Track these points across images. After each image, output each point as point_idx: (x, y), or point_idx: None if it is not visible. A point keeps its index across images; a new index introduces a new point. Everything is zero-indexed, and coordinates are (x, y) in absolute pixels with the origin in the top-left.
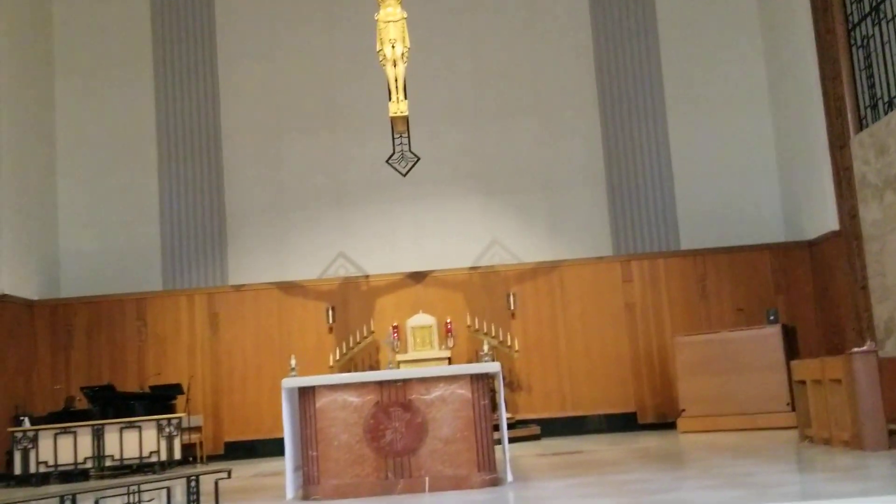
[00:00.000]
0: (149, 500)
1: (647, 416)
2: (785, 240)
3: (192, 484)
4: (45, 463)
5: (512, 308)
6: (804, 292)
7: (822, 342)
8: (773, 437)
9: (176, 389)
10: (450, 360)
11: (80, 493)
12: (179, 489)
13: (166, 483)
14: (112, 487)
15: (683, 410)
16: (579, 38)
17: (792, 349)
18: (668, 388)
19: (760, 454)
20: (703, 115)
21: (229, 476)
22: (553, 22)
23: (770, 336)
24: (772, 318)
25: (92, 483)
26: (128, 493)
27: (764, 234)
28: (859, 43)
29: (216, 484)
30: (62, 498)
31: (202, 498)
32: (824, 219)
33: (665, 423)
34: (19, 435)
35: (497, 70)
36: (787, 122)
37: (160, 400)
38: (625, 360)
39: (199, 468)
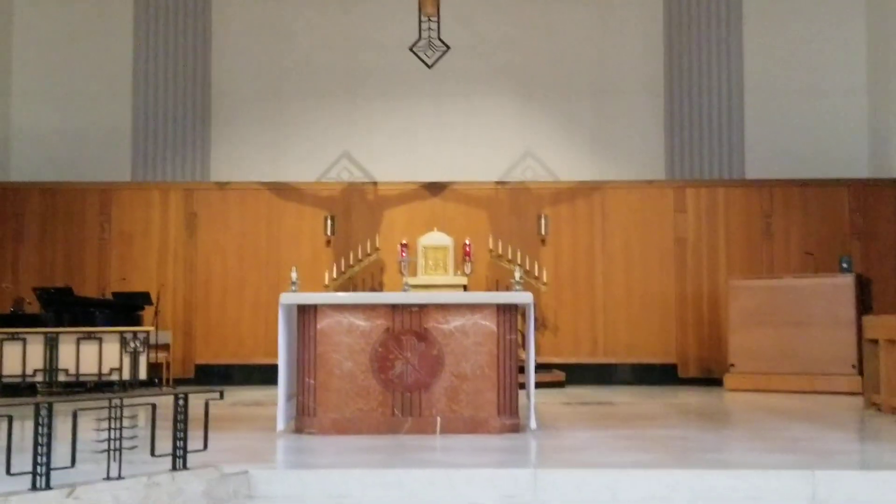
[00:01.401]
0: (130, 416)
1: (690, 369)
2: (869, 176)
3: (181, 402)
4: None
5: (543, 233)
6: (886, 239)
7: None
8: (835, 402)
9: (143, 299)
10: (465, 288)
11: (58, 402)
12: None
13: (152, 399)
14: (93, 399)
15: (733, 365)
16: None
17: (865, 304)
18: (717, 340)
19: (820, 419)
20: (786, 19)
21: (221, 397)
22: None
23: (841, 287)
24: (845, 266)
25: (74, 397)
26: (109, 408)
27: (845, 168)
28: None
29: (206, 405)
30: (38, 406)
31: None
32: None
33: (710, 379)
34: None
35: None
36: (885, 34)
37: (124, 310)
38: (669, 303)
39: (178, 389)
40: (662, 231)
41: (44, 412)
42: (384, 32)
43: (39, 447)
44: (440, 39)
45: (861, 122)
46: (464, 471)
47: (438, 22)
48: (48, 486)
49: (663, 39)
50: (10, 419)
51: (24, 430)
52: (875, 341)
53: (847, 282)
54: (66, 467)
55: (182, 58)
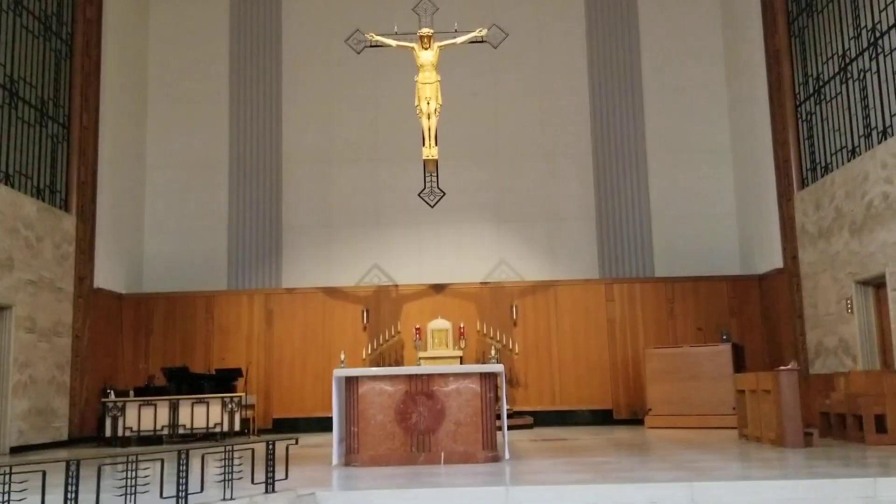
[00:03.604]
0: (238, 457)
1: (622, 412)
2: (739, 273)
3: (270, 447)
4: (130, 428)
5: (514, 317)
6: (753, 317)
7: (765, 359)
8: (720, 434)
9: (236, 373)
10: (461, 359)
11: (191, 449)
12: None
13: (252, 446)
14: (212, 447)
15: (650, 409)
16: (578, 99)
17: (740, 364)
18: (639, 391)
19: (706, 447)
20: (678, 167)
21: (296, 443)
22: (558, 85)
23: (722, 352)
24: (724, 337)
25: (193, 444)
26: (224, 452)
27: (723, 268)
28: (804, 118)
29: (287, 449)
30: (179, 452)
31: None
32: (772, 258)
33: (635, 420)
34: (110, 405)
35: (511, 122)
36: (745, 177)
37: (224, 381)
38: (605, 365)
39: (264, 437)
40: (598, 314)
41: (183, 456)
42: (400, 181)
43: (181, 479)
44: (439, 188)
45: (733, 236)
46: (459, 489)
47: (437, 176)
48: None
49: (593, 182)
50: (163, 462)
51: (161, 468)
52: (743, 391)
53: (726, 349)
54: (197, 492)
55: (261, 202)
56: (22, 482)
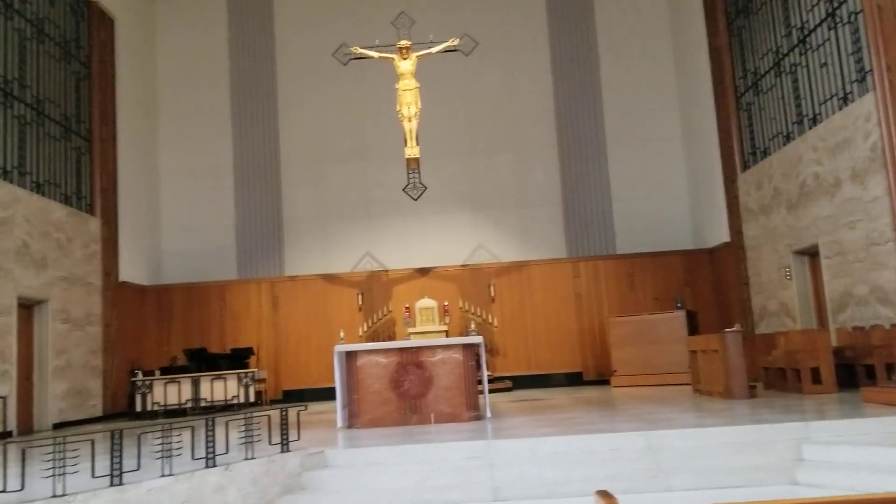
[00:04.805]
0: (256, 423)
1: (590, 374)
2: (692, 247)
3: (284, 415)
4: (157, 403)
5: (492, 295)
6: (704, 286)
7: (716, 323)
8: (676, 390)
9: (249, 352)
10: (447, 333)
11: (216, 417)
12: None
13: (268, 413)
14: (233, 416)
15: (615, 371)
16: (544, 98)
17: (694, 328)
18: (605, 355)
19: (663, 401)
20: (635, 155)
21: (306, 409)
22: (525, 85)
23: (677, 318)
24: (679, 305)
25: (215, 414)
26: (245, 419)
27: (676, 243)
28: (744, 108)
29: (298, 415)
30: (207, 421)
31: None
32: (720, 233)
33: (602, 380)
34: (139, 383)
35: (484, 120)
36: (694, 162)
37: (238, 359)
38: (574, 334)
39: (277, 406)
40: (566, 290)
41: (210, 423)
42: (386, 176)
43: (209, 443)
44: (421, 183)
45: (685, 214)
46: (447, 443)
47: (419, 172)
48: (214, 465)
49: (559, 170)
50: (193, 429)
51: (192, 435)
52: (695, 351)
53: (680, 315)
54: (223, 453)
55: (263, 200)
56: (75, 450)
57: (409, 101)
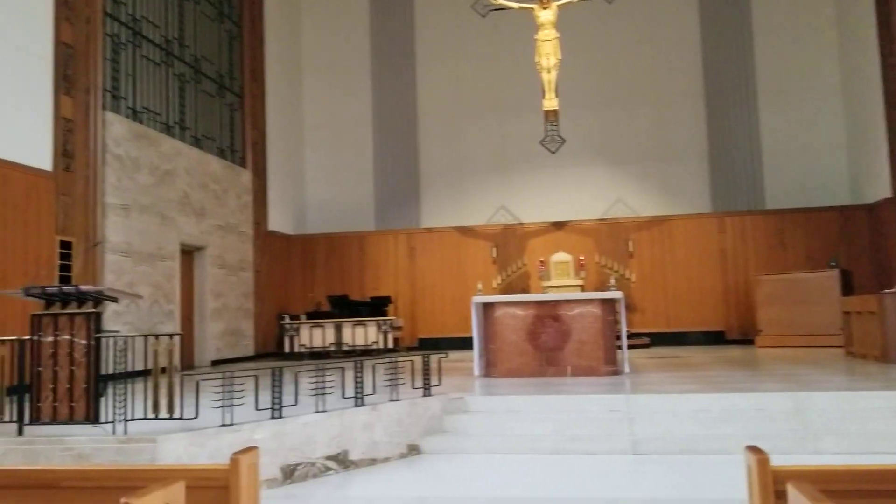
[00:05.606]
0: (401, 369)
1: (733, 333)
2: (849, 203)
3: (426, 360)
4: (304, 345)
5: (630, 250)
6: (861, 245)
7: (873, 284)
8: (827, 352)
9: (387, 300)
10: (582, 287)
11: (366, 362)
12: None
13: (411, 359)
14: (382, 360)
15: (760, 330)
16: (690, 47)
17: (848, 289)
18: (750, 314)
19: (813, 363)
20: (789, 106)
21: (447, 356)
22: (669, 33)
23: (830, 278)
24: (833, 264)
25: (366, 358)
26: (392, 363)
27: (832, 198)
28: None
29: (439, 362)
30: (355, 363)
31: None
32: (881, 188)
33: (746, 340)
34: (287, 327)
35: (624, 71)
36: (855, 112)
37: (377, 306)
38: (717, 292)
39: (419, 353)
40: (710, 246)
41: (358, 364)
42: (522, 129)
43: (357, 383)
44: (559, 136)
45: (843, 168)
46: (585, 396)
47: (557, 124)
48: (363, 404)
49: (705, 123)
50: (343, 370)
51: (342, 376)
52: (849, 313)
53: (834, 274)
54: (370, 394)
55: (401, 154)
56: (241, 384)
57: (548, 51)
